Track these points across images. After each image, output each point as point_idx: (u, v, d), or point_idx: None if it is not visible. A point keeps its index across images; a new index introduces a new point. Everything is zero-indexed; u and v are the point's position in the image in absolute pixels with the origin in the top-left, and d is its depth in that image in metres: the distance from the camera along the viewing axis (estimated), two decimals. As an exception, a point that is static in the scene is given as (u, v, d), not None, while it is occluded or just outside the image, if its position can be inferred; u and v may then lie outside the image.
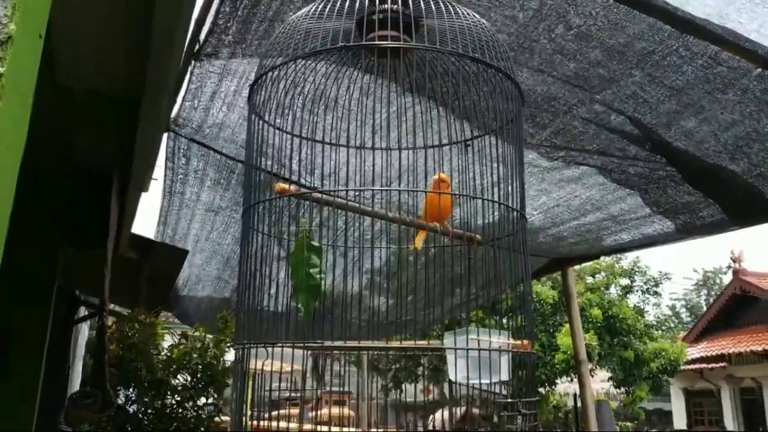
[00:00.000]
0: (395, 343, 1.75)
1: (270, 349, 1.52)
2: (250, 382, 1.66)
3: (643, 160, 3.18)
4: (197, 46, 2.46)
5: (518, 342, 1.62)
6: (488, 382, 1.55)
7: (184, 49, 2.44)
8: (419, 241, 1.91)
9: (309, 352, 1.88)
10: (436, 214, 1.81)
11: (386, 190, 2.17)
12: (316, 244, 1.58)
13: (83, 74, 2.46)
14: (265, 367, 1.60)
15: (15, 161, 0.73)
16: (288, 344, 1.54)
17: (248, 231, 1.65)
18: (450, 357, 1.58)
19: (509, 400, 1.60)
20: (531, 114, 2.96)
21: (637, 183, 3.44)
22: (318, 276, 1.55)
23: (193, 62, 2.58)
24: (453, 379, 1.58)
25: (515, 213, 1.66)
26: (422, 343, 1.90)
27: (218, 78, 2.77)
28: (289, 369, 1.63)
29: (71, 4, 1.98)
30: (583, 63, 2.47)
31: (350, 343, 1.64)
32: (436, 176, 1.82)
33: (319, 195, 1.66)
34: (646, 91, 2.58)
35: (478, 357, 1.50)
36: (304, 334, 1.56)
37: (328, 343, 1.54)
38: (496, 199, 1.64)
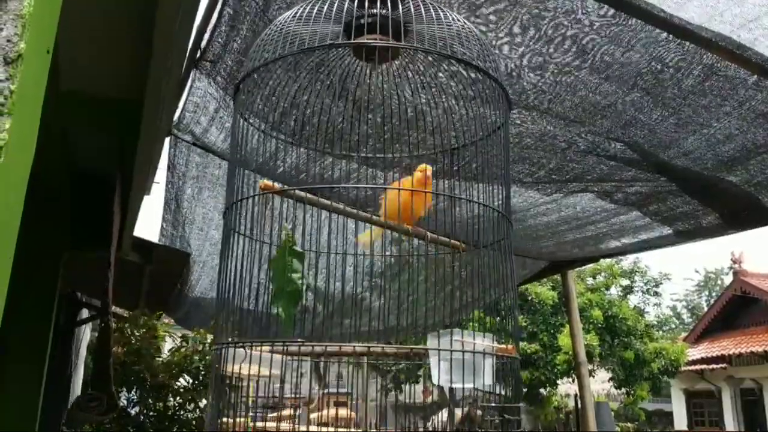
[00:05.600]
0: (376, 347, 1.70)
1: (248, 351, 1.49)
2: (242, 384, 1.64)
3: (643, 180, 3.20)
4: (199, 53, 2.48)
5: (503, 345, 1.60)
6: (471, 386, 1.52)
7: (187, 54, 2.46)
8: (370, 236, 1.83)
9: (309, 357, 1.87)
10: (406, 212, 1.70)
11: (371, 188, 2.12)
12: (298, 249, 1.56)
13: (86, 78, 2.48)
14: (242, 371, 1.56)
15: (24, 176, 0.75)
16: (267, 342, 1.51)
17: (228, 231, 1.62)
18: (433, 359, 1.55)
19: (492, 404, 1.58)
20: (528, 155, 2.98)
21: (636, 201, 3.47)
22: (299, 281, 1.52)
23: (194, 69, 2.60)
24: (435, 382, 1.56)
25: (501, 216, 1.62)
26: (405, 347, 1.83)
27: (220, 90, 2.79)
28: (266, 373, 1.61)
29: (75, 11, 1.99)
30: (581, 91, 2.47)
31: (331, 348, 1.61)
32: (422, 167, 1.75)
33: (303, 194, 1.62)
34: (644, 113, 2.59)
35: (461, 359, 1.47)
36: (284, 336, 1.53)
37: (308, 344, 1.51)
38: (482, 201, 1.60)
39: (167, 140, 3.34)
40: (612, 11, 2.05)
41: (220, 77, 2.74)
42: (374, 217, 1.79)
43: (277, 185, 1.63)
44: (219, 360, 1.54)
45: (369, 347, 1.65)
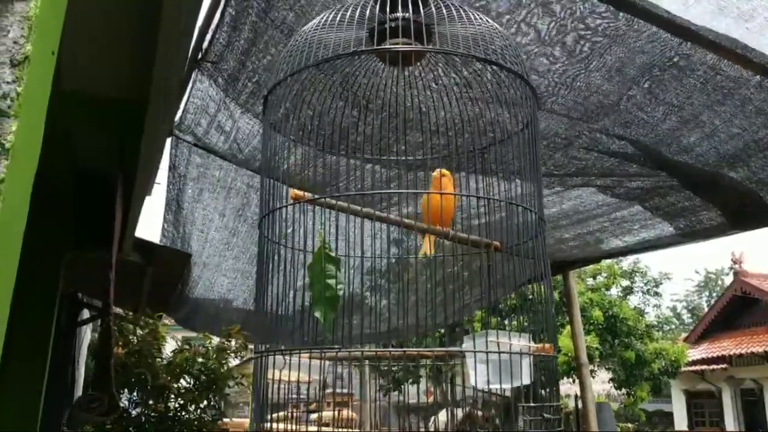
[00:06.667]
0: (412, 351, 1.73)
1: (287, 358, 1.52)
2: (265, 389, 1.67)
3: (644, 175, 3.21)
4: (200, 54, 2.48)
5: (540, 345, 1.58)
6: (510, 387, 1.52)
7: (189, 55, 2.46)
8: (430, 246, 1.86)
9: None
10: (437, 216, 1.73)
11: (397, 192, 2.14)
12: (334, 255, 1.59)
13: (86, 78, 2.48)
14: (282, 377, 1.60)
15: (29, 177, 0.75)
16: (305, 351, 1.55)
17: (264, 240, 1.65)
18: (470, 361, 1.54)
19: (532, 404, 1.56)
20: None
21: (637, 195, 3.47)
22: (336, 287, 1.55)
23: (196, 69, 2.60)
24: (474, 384, 1.55)
25: (534, 215, 1.60)
26: (440, 349, 1.87)
27: (221, 91, 2.80)
28: (306, 379, 1.64)
29: (75, 11, 1.99)
30: (583, 90, 2.48)
31: (367, 353, 1.63)
32: (436, 172, 1.76)
33: (333, 201, 1.65)
34: (646, 111, 2.60)
35: (498, 361, 1.46)
36: (320, 342, 1.56)
37: (344, 351, 1.54)
38: (515, 201, 1.59)
39: (168, 141, 3.34)
40: (616, 11, 2.05)
41: (222, 78, 2.74)
42: (412, 222, 1.81)
43: (307, 194, 1.64)
44: (260, 368, 1.57)
45: (405, 351, 1.66)
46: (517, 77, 1.62)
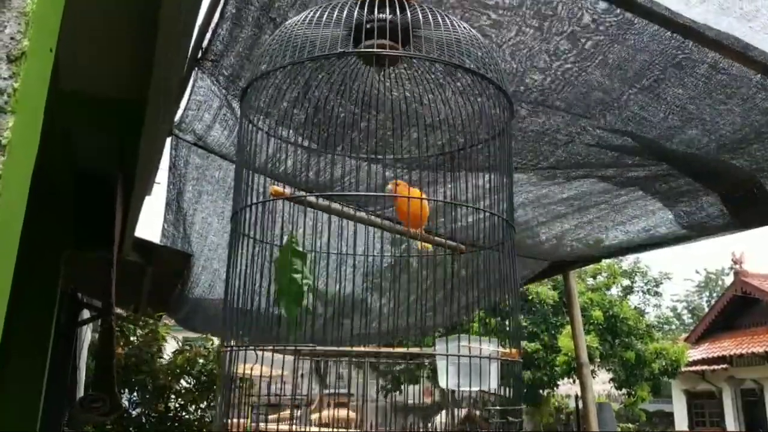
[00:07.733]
0: (386, 349, 1.77)
1: (260, 353, 1.53)
2: (240, 385, 1.67)
3: (645, 166, 3.21)
4: (200, 53, 2.48)
5: (507, 350, 1.66)
6: (477, 389, 1.59)
7: (188, 54, 2.46)
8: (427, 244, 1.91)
9: (310, 357, 1.90)
10: (413, 218, 1.78)
11: (373, 195, 2.16)
12: (300, 249, 1.60)
13: (86, 78, 2.48)
14: (253, 372, 1.61)
15: (27, 174, 0.74)
16: (279, 347, 1.55)
17: (236, 235, 1.64)
18: (441, 363, 1.62)
19: (497, 407, 1.65)
20: (532, 148, 2.99)
21: (638, 182, 3.47)
22: (301, 281, 1.56)
23: (196, 68, 2.60)
24: (443, 385, 1.62)
25: (503, 222, 1.65)
26: (415, 349, 1.91)
27: (222, 89, 2.80)
28: (277, 373, 1.65)
29: (75, 10, 1.98)
30: (583, 87, 2.48)
31: (342, 349, 1.66)
32: (392, 184, 1.81)
33: (313, 199, 1.66)
34: (647, 110, 2.60)
35: (468, 364, 1.54)
36: (294, 338, 1.57)
37: (319, 348, 1.56)
38: (484, 208, 1.64)
39: (168, 140, 3.34)
40: (617, 10, 2.05)
41: (222, 76, 2.74)
42: (385, 222, 1.84)
43: (287, 190, 1.64)
44: (227, 362, 1.57)
45: (379, 349, 1.67)
46: (494, 86, 1.64)
